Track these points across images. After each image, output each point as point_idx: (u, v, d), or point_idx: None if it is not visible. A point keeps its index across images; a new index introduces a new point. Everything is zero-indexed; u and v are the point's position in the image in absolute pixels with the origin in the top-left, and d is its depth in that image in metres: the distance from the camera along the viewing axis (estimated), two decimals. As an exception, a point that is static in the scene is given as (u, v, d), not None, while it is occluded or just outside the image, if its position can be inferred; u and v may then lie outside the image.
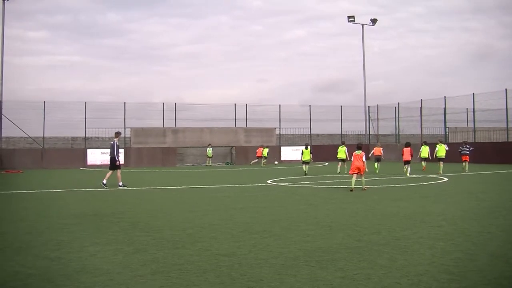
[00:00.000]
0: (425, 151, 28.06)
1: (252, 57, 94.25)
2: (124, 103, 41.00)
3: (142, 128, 41.09)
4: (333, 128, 48.65)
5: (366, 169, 17.98)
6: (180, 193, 17.20)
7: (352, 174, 17.32)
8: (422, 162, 28.37)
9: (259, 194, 16.66)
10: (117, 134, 19.82)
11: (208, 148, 40.74)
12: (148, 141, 40.44)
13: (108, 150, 20.69)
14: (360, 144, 18.13)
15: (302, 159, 27.05)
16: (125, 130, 40.58)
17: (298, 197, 15.36)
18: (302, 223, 10.03)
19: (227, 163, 42.55)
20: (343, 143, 30.61)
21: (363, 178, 17.41)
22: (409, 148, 24.97)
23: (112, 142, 19.61)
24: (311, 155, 27.59)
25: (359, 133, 49.98)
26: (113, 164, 19.50)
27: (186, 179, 24.23)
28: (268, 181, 21.57)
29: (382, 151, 30.06)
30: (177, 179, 24.79)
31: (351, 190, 16.55)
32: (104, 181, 19.34)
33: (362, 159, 17.20)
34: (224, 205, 13.42)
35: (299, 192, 17.07)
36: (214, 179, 24.59)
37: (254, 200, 14.79)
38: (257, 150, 40.27)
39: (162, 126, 42.31)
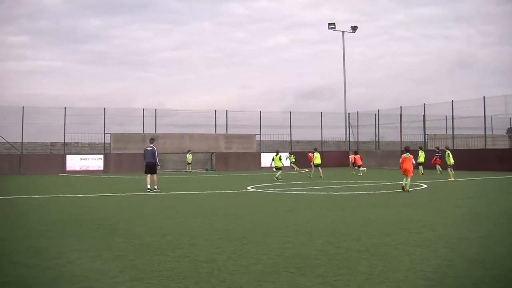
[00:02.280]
0: (422, 156, 29.59)
1: (235, 64, 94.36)
2: (104, 108, 40.76)
3: (122, 133, 40.80)
4: (313, 135, 48.88)
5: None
6: (159, 200, 17.06)
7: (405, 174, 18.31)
8: (420, 167, 29.48)
9: (239, 200, 16.65)
10: (153, 140, 21.40)
11: (187, 154, 40.59)
12: (128, 146, 40.15)
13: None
14: (408, 147, 19.08)
15: (273, 165, 27.28)
16: (104, 136, 40.40)
17: (278, 204, 15.36)
18: (281, 229, 10.01)
19: (207, 169, 42.44)
20: (315, 150, 31.72)
21: (409, 180, 18.42)
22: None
23: (149, 148, 20.62)
24: (281, 161, 28.02)
25: (339, 139, 50.29)
26: (155, 169, 20.43)
27: (166, 185, 24.06)
28: (248, 188, 21.54)
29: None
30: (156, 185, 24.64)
31: (402, 189, 18.12)
32: (156, 187, 20.23)
33: (411, 161, 18.35)
34: (204, 211, 13.36)
35: (279, 199, 17.07)
36: (194, 185, 24.50)
37: (234, 206, 14.76)
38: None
39: (142, 132, 42.03)
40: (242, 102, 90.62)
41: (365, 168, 33.03)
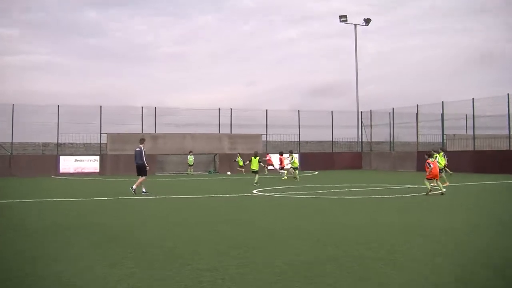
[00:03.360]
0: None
1: (240, 59, 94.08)
2: (100, 106, 40.70)
3: (119, 133, 40.83)
4: (323, 135, 48.76)
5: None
6: (159, 204, 17.12)
7: (431, 179, 18.98)
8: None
9: (243, 205, 16.67)
10: (143, 140, 21.64)
11: (189, 156, 40.61)
12: (125, 147, 40.06)
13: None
14: (431, 152, 20.48)
15: (250, 168, 26.98)
16: (100, 135, 40.32)
17: (286, 208, 15.38)
18: (289, 235, 10.03)
19: (210, 172, 42.44)
20: (290, 152, 32.70)
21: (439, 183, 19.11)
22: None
23: (138, 149, 21.07)
24: (260, 164, 27.98)
25: (351, 140, 50.18)
26: (143, 170, 20.74)
27: (166, 189, 24.10)
28: (254, 191, 21.61)
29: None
30: (156, 188, 24.55)
31: (442, 194, 18.47)
32: (144, 190, 20.52)
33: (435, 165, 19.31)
34: (206, 216, 13.39)
35: (286, 203, 17.08)
36: (195, 188, 24.51)
37: (238, 211, 14.80)
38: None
39: (141, 132, 42.03)
40: (248, 100, 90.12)
41: (285, 172, 33.00)
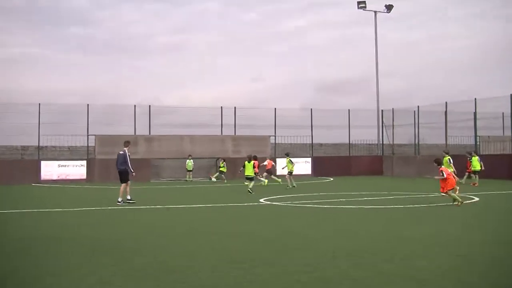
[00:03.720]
0: (477, 163, 29.68)
1: (245, 52, 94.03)
2: (87, 105, 40.76)
3: (109, 135, 40.88)
4: (339, 136, 48.76)
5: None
6: (154, 214, 17.22)
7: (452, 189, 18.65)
8: (475, 177, 29.47)
9: (249, 215, 16.77)
10: (128, 143, 21.68)
11: (187, 160, 40.65)
12: (116, 151, 39.29)
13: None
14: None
15: (245, 174, 26.92)
16: (87, 137, 40.25)
17: (296, 219, 15.45)
18: (299, 249, 10.09)
19: (217, 178, 41.92)
20: (286, 155, 32.40)
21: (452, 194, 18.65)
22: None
23: (121, 152, 21.12)
24: (255, 169, 27.92)
25: (371, 142, 50.08)
26: (126, 177, 20.78)
27: (162, 197, 24.21)
28: (261, 200, 21.65)
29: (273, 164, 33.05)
30: (151, 197, 24.73)
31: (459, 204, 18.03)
32: (128, 197, 20.62)
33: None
34: (206, 228, 13.45)
35: (297, 213, 17.20)
36: (195, 197, 24.60)
37: (243, 222, 14.86)
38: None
39: (133, 133, 42.13)
40: (254, 97, 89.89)
41: (264, 177, 33.17)
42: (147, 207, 19.44)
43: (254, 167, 27.43)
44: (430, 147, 46.36)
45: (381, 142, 49.39)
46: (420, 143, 45.97)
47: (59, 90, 75.71)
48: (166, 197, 24.55)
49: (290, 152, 36.29)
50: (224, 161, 39.71)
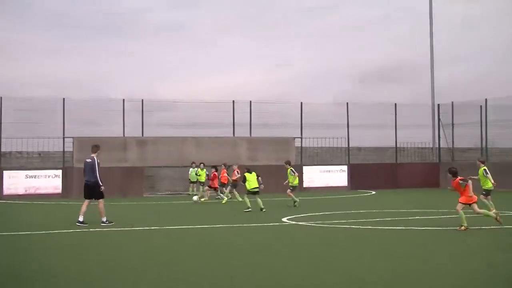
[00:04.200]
0: None
1: (264, 32, 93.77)
2: (63, 99, 40.80)
3: (91, 137, 40.68)
4: (383, 138, 48.31)
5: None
6: (149, 239, 17.13)
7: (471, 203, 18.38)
8: None
9: (270, 239, 16.72)
10: (96, 148, 21.31)
11: (191, 169, 40.28)
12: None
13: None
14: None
15: (248, 188, 26.33)
16: (63, 140, 40.37)
17: (329, 245, 15.40)
18: (331, 282, 10.09)
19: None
20: (287, 163, 30.66)
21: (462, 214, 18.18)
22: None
23: (89, 160, 20.80)
24: (260, 179, 27.30)
25: (424, 145, 49.68)
26: (98, 191, 20.58)
27: (159, 217, 24.23)
28: (284, 219, 21.68)
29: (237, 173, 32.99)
30: (145, 216, 25.00)
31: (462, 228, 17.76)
32: (104, 218, 20.52)
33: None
34: (219, 257, 13.41)
35: (330, 237, 17.11)
36: (203, 216, 24.57)
37: (263, 249, 14.75)
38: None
39: (122, 135, 42.11)
40: (275, 89, 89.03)
41: (227, 191, 33.51)
42: (139, 228, 19.39)
43: (214, 178, 27.87)
44: (503, 152, 45.65)
45: (437, 146, 48.95)
46: (489, 146, 45.36)
47: (24, 81, 75.33)
48: (163, 216, 24.57)
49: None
50: (204, 166, 37.49)
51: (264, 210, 25.28)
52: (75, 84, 78.32)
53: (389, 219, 21.66)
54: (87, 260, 13.13)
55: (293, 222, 20.73)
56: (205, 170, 37.07)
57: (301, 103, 45.56)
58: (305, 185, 43.11)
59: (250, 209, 25.33)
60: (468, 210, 18.02)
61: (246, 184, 26.54)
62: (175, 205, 31.43)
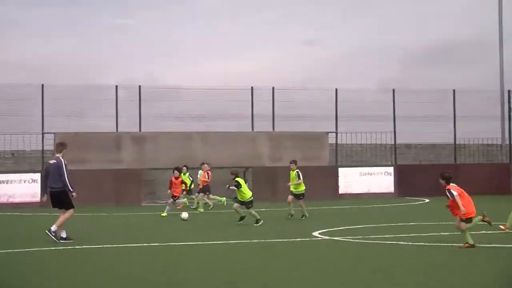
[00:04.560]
0: None
1: (290, 3, 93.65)
2: (42, 86, 41.09)
3: (76, 133, 40.89)
4: (438, 133, 48.00)
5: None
6: (149, 257, 17.12)
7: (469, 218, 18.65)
8: None
9: (299, 260, 16.49)
10: (62, 146, 21.36)
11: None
12: (88, 156, 40.19)
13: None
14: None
15: (243, 198, 25.87)
16: (42, 136, 40.75)
17: (375, 267, 15.09)
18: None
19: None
20: (293, 163, 29.51)
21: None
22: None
23: (53, 161, 20.85)
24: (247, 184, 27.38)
25: (490, 141, 49.37)
26: (66, 200, 20.69)
27: (162, 230, 24.47)
28: (315, 233, 21.66)
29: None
30: (144, 229, 25.28)
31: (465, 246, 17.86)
32: (64, 234, 20.55)
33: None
34: (233, 283, 13.29)
35: (374, 255, 16.90)
36: (216, 229, 24.93)
37: (291, 273, 14.53)
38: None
39: (115, 130, 42.26)
40: (304, 72, 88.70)
41: (197, 198, 34.36)
42: (139, 245, 19.42)
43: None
44: None
45: (508, 142, 48.66)
46: None
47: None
48: (168, 230, 24.50)
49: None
50: (187, 168, 37.63)
51: (261, 222, 25.25)
52: (56, 68, 78.35)
53: (447, 233, 21.48)
54: (62, 281, 13.23)
55: (327, 237, 20.71)
56: (188, 174, 37.69)
57: (336, 89, 45.56)
58: (340, 190, 43.16)
59: (241, 222, 25.38)
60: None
61: (239, 193, 25.90)
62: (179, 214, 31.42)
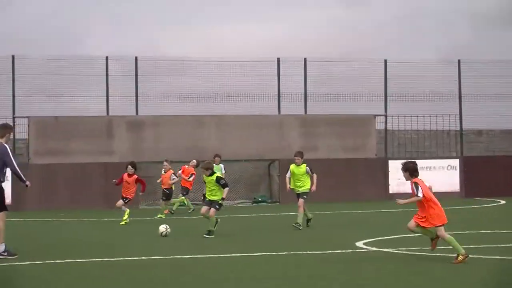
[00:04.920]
0: None
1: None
2: (13, 57, 41.17)
3: (56, 117, 40.59)
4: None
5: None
6: (151, 275, 16.89)
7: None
8: None
9: (341, 277, 16.08)
10: (5, 129, 20.97)
11: (214, 164, 39.83)
12: (71, 146, 39.91)
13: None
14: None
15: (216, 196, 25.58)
16: (14, 121, 40.44)
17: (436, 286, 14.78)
18: None
19: (258, 200, 41.43)
20: (298, 155, 29.12)
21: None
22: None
23: None
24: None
25: None
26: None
27: (164, 240, 24.47)
28: (359, 243, 21.77)
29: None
30: (142, 239, 25.52)
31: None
32: (2, 246, 20.08)
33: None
34: None
35: (433, 273, 16.35)
36: (233, 238, 25.09)
37: None
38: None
39: (105, 113, 41.96)
40: (344, 40, 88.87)
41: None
42: (137, 259, 19.17)
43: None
44: None
45: None
46: None
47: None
48: (173, 240, 24.43)
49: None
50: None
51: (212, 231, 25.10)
52: (31, 35, 78.44)
53: (508, 244, 21.17)
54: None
55: (374, 248, 20.70)
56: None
57: (385, 61, 45.46)
58: (391, 189, 42.69)
59: (212, 231, 25.03)
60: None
61: (220, 191, 25.45)
62: (191, 220, 31.00)
